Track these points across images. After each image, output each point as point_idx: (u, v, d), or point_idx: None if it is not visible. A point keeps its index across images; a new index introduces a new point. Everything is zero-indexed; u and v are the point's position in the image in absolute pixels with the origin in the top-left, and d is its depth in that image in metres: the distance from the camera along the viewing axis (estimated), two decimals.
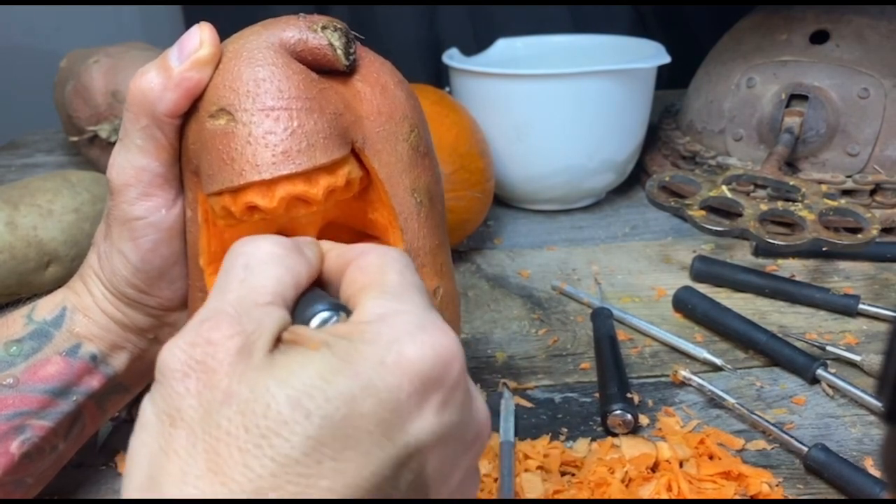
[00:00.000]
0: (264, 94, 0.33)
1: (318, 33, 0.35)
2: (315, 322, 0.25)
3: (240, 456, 0.21)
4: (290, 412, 0.21)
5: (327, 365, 0.22)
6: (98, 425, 0.40)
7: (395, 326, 0.23)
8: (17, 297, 0.59)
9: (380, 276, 0.26)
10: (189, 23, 1.31)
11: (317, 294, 0.27)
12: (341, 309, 0.26)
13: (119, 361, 0.39)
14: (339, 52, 0.35)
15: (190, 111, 0.35)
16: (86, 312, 0.38)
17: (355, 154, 0.36)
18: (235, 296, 0.24)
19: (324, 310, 0.25)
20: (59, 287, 0.40)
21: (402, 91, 0.38)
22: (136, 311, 0.38)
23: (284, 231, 0.40)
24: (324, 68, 0.35)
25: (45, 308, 0.38)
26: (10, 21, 1.29)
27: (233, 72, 0.33)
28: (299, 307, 0.26)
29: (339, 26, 0.35)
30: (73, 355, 0.37)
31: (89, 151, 0.83)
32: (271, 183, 0.32)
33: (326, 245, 0.29)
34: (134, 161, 0.35)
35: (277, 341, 0.24)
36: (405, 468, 0.22)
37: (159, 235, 0.36)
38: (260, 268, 0.25)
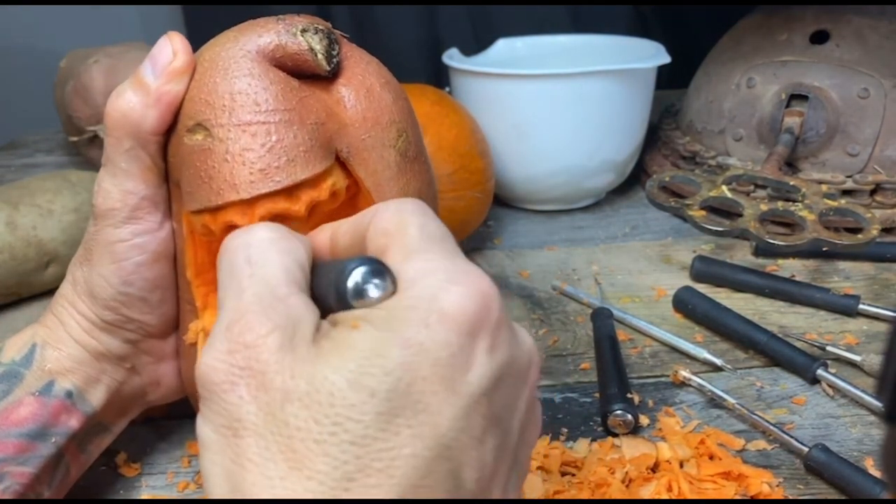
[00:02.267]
0: (240, 109, 0.31)
1: (298, 37, 0.33)
2: (352, 283, 0.24)
3: (318, 447, 0.21)
4: (354, 394, 0.21)
5: (375, 340, 0.22)
6: (81, 469, 0.38)
7: (428, 285, 0.23)
8: (17, 297, 0.59)
9: (400, 232, 0.25)
10: (189, 23, 1.32)
11: (334, 262, 0.26)
12: (371, 261, 0.24)
13: (97, 397, 0.37)
14: (319, 56, 0.33)
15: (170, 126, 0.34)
16: (57, 345, 0.37)
17: (341, 162, 0.34)
18: (251, 293, 0.24)
19: (356, 267, 0.24)
20: (59, 287, 0.39)
21: (390, 93, 0.36)
22: (112, 337, 0.37)
23: None
24: (305, 73, 0.34)
25: (13, 348, 0.37)
26: (10, 21, 1.29)
27: (208, 84, 0.32)
28: (321, 280, 0.25)
29: (320, 27, 0.34)
30: (47, 394, 0.36)
31: (89, 151, 0.83)
32: (250, 202, 0.31)
33: (336, 224, 0.29)
34: (120, 185, 0.35)
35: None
36: (475, 413, 0.23)
37: (143, 258, 0.36)
38: (263, 258, 0.25)
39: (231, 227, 0.32)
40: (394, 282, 0.24)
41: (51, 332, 0.37)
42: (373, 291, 0.24)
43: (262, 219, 0.32)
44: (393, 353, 0.22)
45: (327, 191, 0.33)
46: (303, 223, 0.33)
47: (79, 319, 0.37)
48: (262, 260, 0.25)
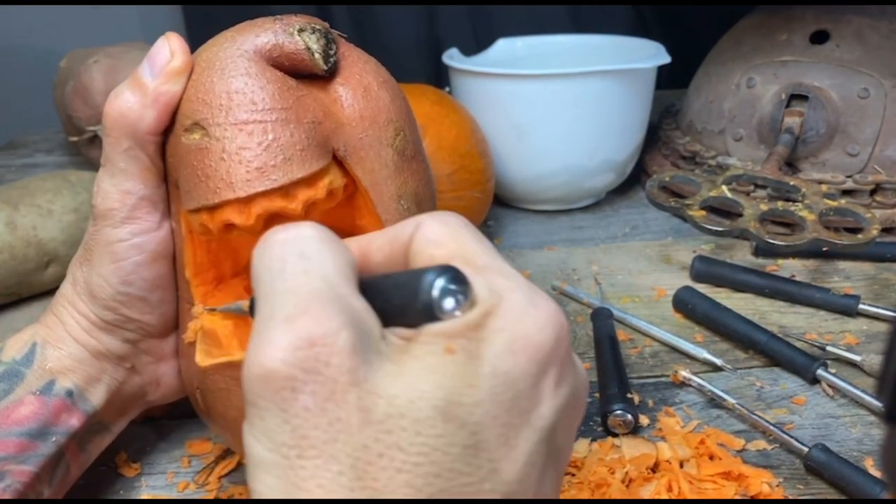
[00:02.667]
0: (237, 108, 0.31)
1: (295, 37, 0.33)
2: (437, 292, 0.21)
3: (401, 477, 0.19)
4: (443, 424, 0.20)
5: (465, 367, 0.21)
6: (81, 468, 0.38)
7: (511, 308, 0.22)
8: (17, 297, 0.59)
9: (458, 244, 0.23)
10: (189, 23, 1.32)
11: (398, 275, 0.24)
12: (449, 271, 0.22)
13: (97, 396, 0.37)
14: (317, 56, 0.33)
15: (168, 125, 0.34)
16: (57, 344, 0.37)
17: (338, 161, 0.34)
18: (310, 288, 0.21)
19: (438, 276, 0.22)
20: (58, 287, 0.39)
21: (387, 92, 0.36)
22: (112, 337, 0.37)
23: None
24: (302, 73, 0.34)
25: (13, 347, 0.37)
26: (10, 21, 1.29)
27: (205, 84, 0.32)
28: (387, 300, 0.23)
29: (317, 27, 0.34)
30: (48, 393, 0.36)
31: (89, 151, 0.83)
32: (247, 200, 0.31)
33: (364, 238, 0.27)
34: (119, 185, 0.35)
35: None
36: (542, 447, 0.22)
37: (142, 257, 0.36)
38: (319, 255, 0.22)
39: (229, 226, 0.32)
40: (473, 294, 0.22)
41: (51, 332, 0.37)
42: (455, 302, 0.22)
43: (259, 218, 0.32)
44: (482, 382, 0.20)
45: (324, 189, 0.33)
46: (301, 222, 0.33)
47: (79, 319, 0.37)
48: (318, 256, 0.22)
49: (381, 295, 0.23)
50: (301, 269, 0.22)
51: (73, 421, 0.36)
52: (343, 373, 0.20)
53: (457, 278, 0.22)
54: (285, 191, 0.32)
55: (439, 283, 0.22)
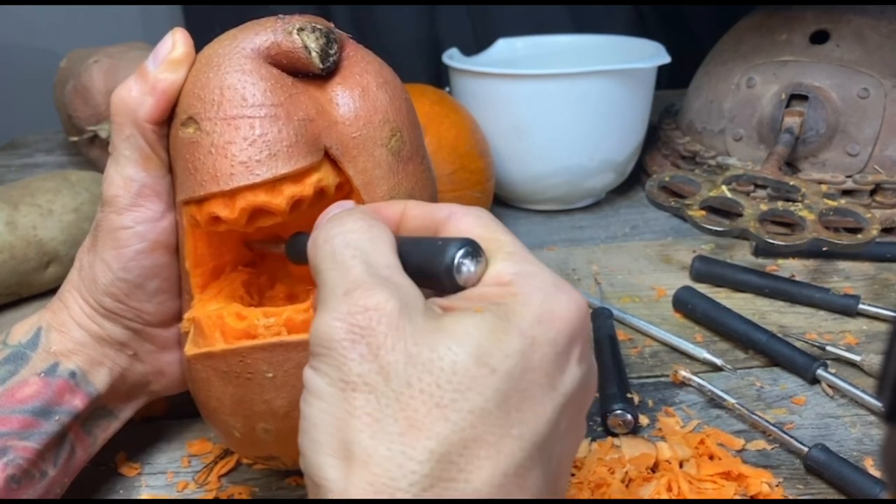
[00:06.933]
0: (228, 103, 0.32)
1: (293, 36, 0.34)
2: (456, 260, 0.25)
3: (439, 411, 0.22)
4: (476, 369, 0.22)
5: (496, 325, 0.23)
6: (89, 453, 0.39)
7: (537, 286, 0.25)
8: (17, 296, 0.59)
9: (491, 235, 0.27)
10: (189, 23, 1.32)
11: (429, 241, 0.27)
12: (469, 244, 0.25)
13: (100, 379, 0.38)
14: (313, 54, 0.34)
15: (170, 119, 0.35)
16: (61, 329, 0.38)
17: (333, 161, 0.35)
18: (360, 270, 0.25)
19: (460, 248, 0.25)
20: (59, 287, 0.40)
21: (386, 93, 0.36)
22: (113, 324, 0.38)
23: (272, 232, 0.40)
24: (300, 71, 0.34)
25: (19, 332, 0.38)
26: (10, 21, 1.29)
27: (201, 80, 0.33)
28: (418, 260, 0.26)
29: (318, 27, 0.34)
30: (52, 374, 0.37)
31: (89, 151, 0.83)
32: (231, 194, 0.32)
33: (404, 204, 0.30)
34: (123, 172, 0.36)
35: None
36: (563, 415, 0.24)
37: (143, 245, 0.36)
38: (361, 243, 0.26)
39: (215, 219, 0.33)
40: (486, 262, 0.26)
41: (55, 316, 0.38)
42: (469, 270, 0.25)
43: (243, 211, 0.32)
44: (511, 339, 0.23)
45: (311, 187, 0.33)
46: (284, 218, 0.33)
47: (82, 304, 0.38)
48: (360, 244, 0.26)
49: (411, 258, 0.26)
50: (349, 255, 0.25)
51: (77, 402, 0.37)
52: (392, 329, 0.23)
53: (475, 251, 0.25)
54: (270, 186, 0.32)
55: (459, 253, 0.25)
